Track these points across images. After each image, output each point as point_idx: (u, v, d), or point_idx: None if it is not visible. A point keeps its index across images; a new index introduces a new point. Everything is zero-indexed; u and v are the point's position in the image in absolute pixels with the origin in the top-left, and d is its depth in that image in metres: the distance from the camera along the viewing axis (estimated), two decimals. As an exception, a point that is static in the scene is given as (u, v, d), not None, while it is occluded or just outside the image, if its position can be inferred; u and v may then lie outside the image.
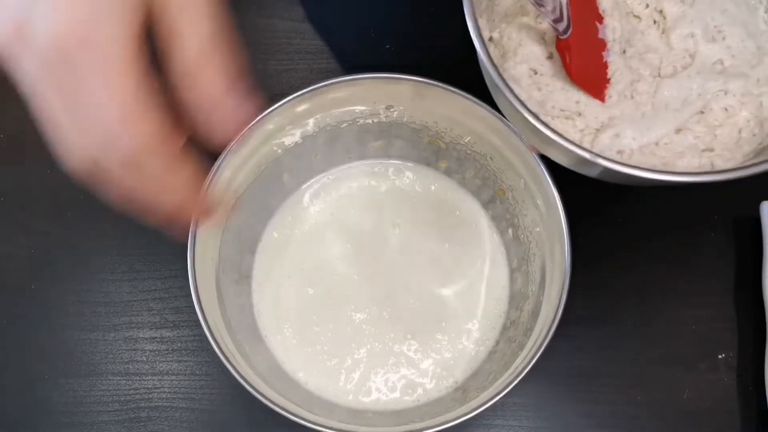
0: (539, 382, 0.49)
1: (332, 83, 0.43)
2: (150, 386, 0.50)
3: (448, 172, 0.51)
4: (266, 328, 0.49)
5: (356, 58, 0.56)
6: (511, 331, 0.47)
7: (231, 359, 0.40)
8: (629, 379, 0.49)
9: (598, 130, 0.40)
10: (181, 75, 0.31)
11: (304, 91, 0.43)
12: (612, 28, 0.42)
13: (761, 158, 0.36)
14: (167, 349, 0.51)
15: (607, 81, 0.41)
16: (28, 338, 0.51)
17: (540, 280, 0.45)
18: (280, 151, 0.47)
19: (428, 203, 0.51)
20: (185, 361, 0.51)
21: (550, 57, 0.42)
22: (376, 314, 0.49)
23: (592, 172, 0.39)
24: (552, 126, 0.39)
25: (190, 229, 0.42)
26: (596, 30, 0.41)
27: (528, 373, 0.39)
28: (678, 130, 0.40)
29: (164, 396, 0.50)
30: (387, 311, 0.49)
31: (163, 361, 0.51)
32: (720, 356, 0.49)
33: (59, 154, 0.31)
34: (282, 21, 0.57)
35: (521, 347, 0.43)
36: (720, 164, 0.39)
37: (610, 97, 0.41)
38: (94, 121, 0.28)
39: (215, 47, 0.31)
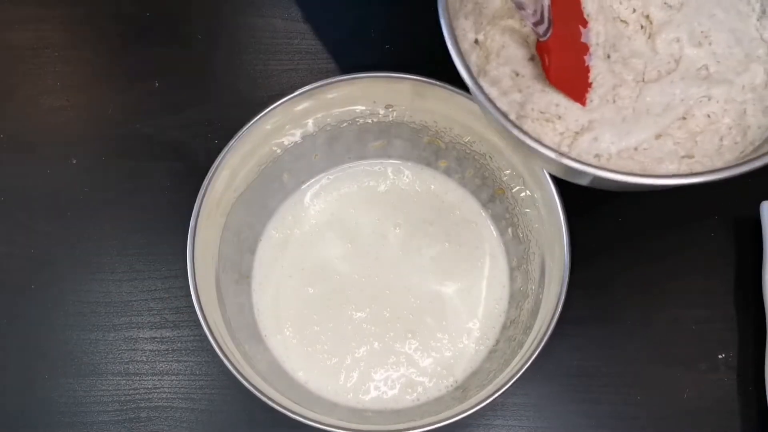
0: (539, 381, 0.49)
1: (332, 82, 0.43)
2: (150, 386, 0.50)
3: (447, 172, 0.51)
4: (266, 328, 0.49)
5: (356, 58, 0.56)
6: (511, 330, 0.47)
7: (231, 359, 0.40)
8: (629, 379, 0.49)
9: (577, 133, 0.40)
10: None
11: (304, 90, 0.43)
12: (596, 32, 0.41)
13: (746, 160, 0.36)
14: (167, 349, 0.51)
15: (589, 85, 0.41)
16: (28, 338, 0.51)
17: (539, 279, 0.45)
18: (279, 150, 0.47)
19: (428, 203, 0.51)
20: (185, 361, 0.51)
21: (531, 59, 0.42)
22: (376, 313, 0.49)
23: (574, 179, 0.39)
24: (531, 128, 0.39)
25: (190, 229, 0.42)
26: (579, 34, 0.41)
27: (528, 372, 0.39)
28: (658, 136, 0.40)
29: (164, 396, 0.50)
30: (387, 310, 0.49)
31: (163, 361, 0.51)
32: (720, 356, 0.49)
33: None
34: (282, 21, 0.57)
35: (521, 346, 0.43)
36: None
37: (591, 101, 0.41)
38: None
39: None
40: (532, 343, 0.41)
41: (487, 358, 0.48)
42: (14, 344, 0.51)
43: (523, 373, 0.39)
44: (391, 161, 0.52)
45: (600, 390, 0.49)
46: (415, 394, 0.47)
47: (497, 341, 0.48)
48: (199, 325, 0.41)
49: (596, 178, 0.36)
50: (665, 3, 0.42)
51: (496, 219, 0.50)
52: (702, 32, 0.41)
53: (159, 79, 0.56)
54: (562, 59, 0.40)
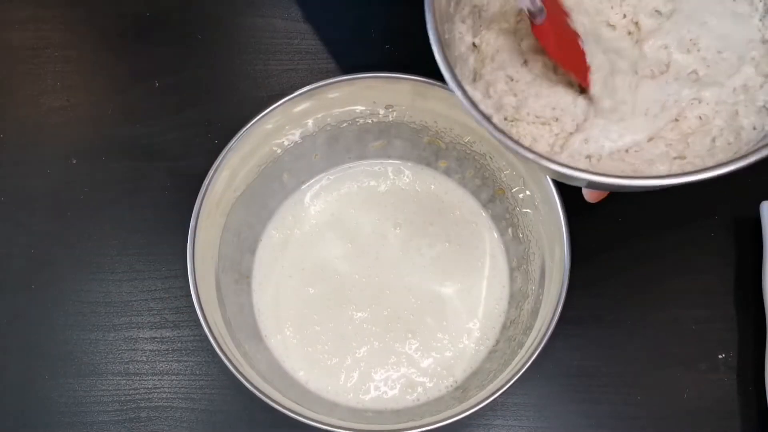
0: (539, 381, 0.49)
1: (332, 82, 0.43)
2: (150, 386, 0.50)
3: (447, 172, 0.51)
4: (266, 328, 0.49)
5: (356, 58, 0.56)
6: (511, 330, 0.47)
7: (231, 359, 0.40)
8: (629, 379, 0.49)
9: (571, 134, 0.40)
10: None
11: (304, 90, 0.43)
12: (581, 23, 0.41)
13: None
14: (167, 349, 0.51)
15: (588, 67, 0.41)
16: (28, 338, 0.51)
17: (539, 279, 0.45)
18: (279, 150, 0.47)
19: (428, 203, 0.51)
20: (185, 361, 0.51)
21: (525, 64, 0.42)
22: (376, 313, 0.49)
23: (567, 180, 0.39)
24: (527, 131, 0.39)
25: (190, 229, 0.42)
26: (566, 21, 0.41)
27: (528, 372, 0.39)
28: (650, 138, 0.40)
29: (164, 396, 0.50)
30: (387, 310, 0.49)
31: (163, 361, 0.51)
32: (720, 356, 0.49)
33: None
34: (282, 21, 0.57)
35: (521, 346, 0.43)
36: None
37: (595, 83, 0.40)
38: None
39: None
40: (532, 343, 0.41)
41: (487, 358, 0.48)
42: (14, 344, 0.51)
43: (523, 373, 0.39)
44: (391, 161, 0.52)
45: (600, 390, 0.49)
46: (415, 394, 0.47)
47: (497, 341, 0.48)
48: (199, 325, 0.41)
49: (588, 182, 0.36)
50: (656, 10, 0.42)
51: (496, 219, 0.50)
52: (690, 40, 0.41)
53: (159, 79, 0.56)
54: (560, 38, 0.40)
